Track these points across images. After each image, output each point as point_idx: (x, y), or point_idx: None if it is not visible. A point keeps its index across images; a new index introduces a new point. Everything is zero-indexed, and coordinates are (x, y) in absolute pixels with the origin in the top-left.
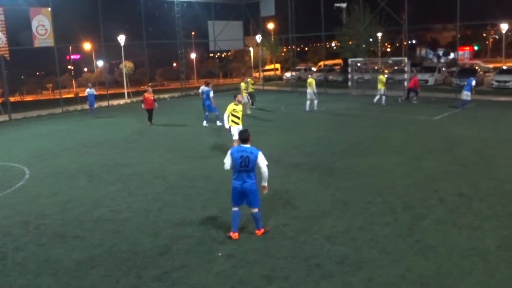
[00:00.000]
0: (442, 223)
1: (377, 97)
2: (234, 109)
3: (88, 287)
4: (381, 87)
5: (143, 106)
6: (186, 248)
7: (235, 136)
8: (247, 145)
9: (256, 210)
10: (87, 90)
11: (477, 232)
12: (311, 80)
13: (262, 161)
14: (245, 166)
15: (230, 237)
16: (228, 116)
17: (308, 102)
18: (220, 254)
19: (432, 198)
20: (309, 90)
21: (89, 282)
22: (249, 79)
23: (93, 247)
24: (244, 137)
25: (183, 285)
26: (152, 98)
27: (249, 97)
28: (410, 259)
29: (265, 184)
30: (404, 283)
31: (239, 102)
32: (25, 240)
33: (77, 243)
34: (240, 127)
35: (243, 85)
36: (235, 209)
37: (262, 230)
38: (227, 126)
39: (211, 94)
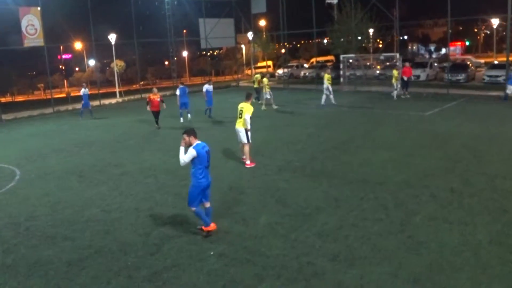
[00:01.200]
0: (434, 219)
1: (394, 92)
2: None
3: None
4: (394, 82)
5: (148, 108)
6: (177, 247)
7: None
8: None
9: (209, 204)
10: (82, 90)
11: (468, 227)
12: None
13: None
14: (209, 161)
15: (209, 232)
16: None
17: (324, 96)
18: (211, 253)
19: (424, 194)
20: (325, 85)
21: (79, 283)
22: (257, 75)
23: (83, 248)
24: (195, 133)
25: (174, 285)
26: (159, 99)
27: (259, 92)
28: (402, 256)
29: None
30: (396, 280)
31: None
32: (15, 242)
33: (67, 244)
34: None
35: (265, 80)
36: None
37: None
38: (249, 127)
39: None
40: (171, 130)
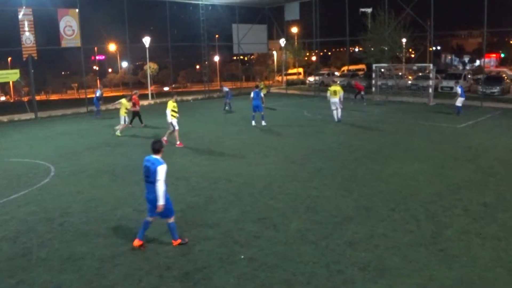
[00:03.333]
0: (466, 233)
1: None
2: (174, 106)
3: (110, 285)
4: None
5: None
6: (208, 249)
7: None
8: (155, 156)
9: (169, 221)
10: (98, 91)
11: (502, 243)
12: (338, 89)
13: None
14: (146, 176)
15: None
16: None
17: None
18: (242, 257)
19: (456, 207)
20: (334, 100)
21: (111, 280)
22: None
23: (116, 246)
24: (155, 147)
25: (205, 286)
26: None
27: None
28: (432, 268)
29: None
30: None
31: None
32: (49, 237)
33: (100, 241)
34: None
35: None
36: (147, 218)
37: (179, 240)
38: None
39: (262, 94)
40: (202, 133)
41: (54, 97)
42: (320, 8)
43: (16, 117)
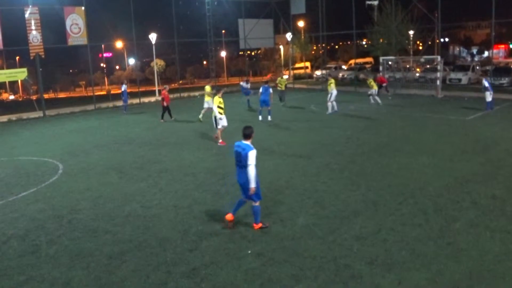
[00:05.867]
0: (475, 226)
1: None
2: (220, 101)
3: (119, 281)
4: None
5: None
6: (215, 245)
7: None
8: (246, 142)
9: (254, 204)
10: (123, 86)
11: (511, 236)
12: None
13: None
14: (238, 161)
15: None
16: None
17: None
18: (249, 252)
19: (465, 200)
20: (335, 92)
21: (120, 276)
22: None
23: (124, 242)
24: (246, 132)
25: (212, 281)
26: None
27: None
28: (441, 262)
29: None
30: (435, 286)
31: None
32: (58, 234)
33: (108, 237)
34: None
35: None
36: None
37: (260, 224)
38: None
39: (270, 90)
40: (210, 129)
41: (62, 95)
42: (327, 1)
43: (25, 115)
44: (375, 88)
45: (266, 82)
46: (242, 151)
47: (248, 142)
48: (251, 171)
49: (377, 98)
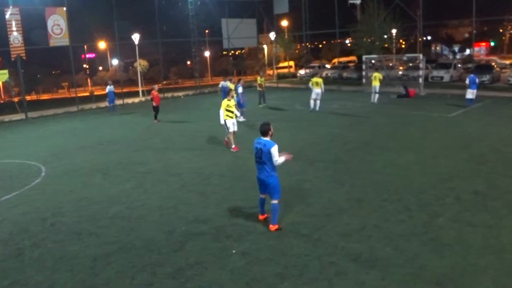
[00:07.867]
0: (458, 221)
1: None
2: (228, 105)
3: (104, 283)
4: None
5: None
6: (200, 245)
7: (231, 129)
8: (265, 138)
9: (273, 201)
10: (108, 87)
11: (493, 230)
12: (320, 80)
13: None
14: (258, 157)
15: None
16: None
17: (312, 102)
18: (234, 251)
19: (448, 196)
20: (317, 90)
21: (104, 278)
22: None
23: (108, 244)
24: (263, 129)
25: (197, 282)
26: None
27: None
28: (424, 257)
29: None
30: (419, 282)
31: (232, 97)
32: (42, 237)
33: (92, 240)
34: (234, 121)
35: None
36: (260, 196)
37: (276, 226)
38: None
39: (240, 90)
40: (195, 129)
41: (45, 96)
42: (310, 0)
43: (7, 118)
44: (377, 84)
45: (230, 80)
46: (263, 147)
47: (267, 138)
48: (280, 161)
49: (376, 95)
